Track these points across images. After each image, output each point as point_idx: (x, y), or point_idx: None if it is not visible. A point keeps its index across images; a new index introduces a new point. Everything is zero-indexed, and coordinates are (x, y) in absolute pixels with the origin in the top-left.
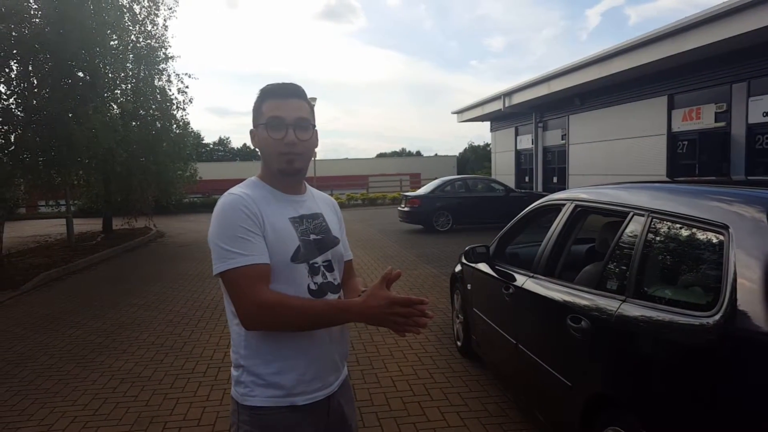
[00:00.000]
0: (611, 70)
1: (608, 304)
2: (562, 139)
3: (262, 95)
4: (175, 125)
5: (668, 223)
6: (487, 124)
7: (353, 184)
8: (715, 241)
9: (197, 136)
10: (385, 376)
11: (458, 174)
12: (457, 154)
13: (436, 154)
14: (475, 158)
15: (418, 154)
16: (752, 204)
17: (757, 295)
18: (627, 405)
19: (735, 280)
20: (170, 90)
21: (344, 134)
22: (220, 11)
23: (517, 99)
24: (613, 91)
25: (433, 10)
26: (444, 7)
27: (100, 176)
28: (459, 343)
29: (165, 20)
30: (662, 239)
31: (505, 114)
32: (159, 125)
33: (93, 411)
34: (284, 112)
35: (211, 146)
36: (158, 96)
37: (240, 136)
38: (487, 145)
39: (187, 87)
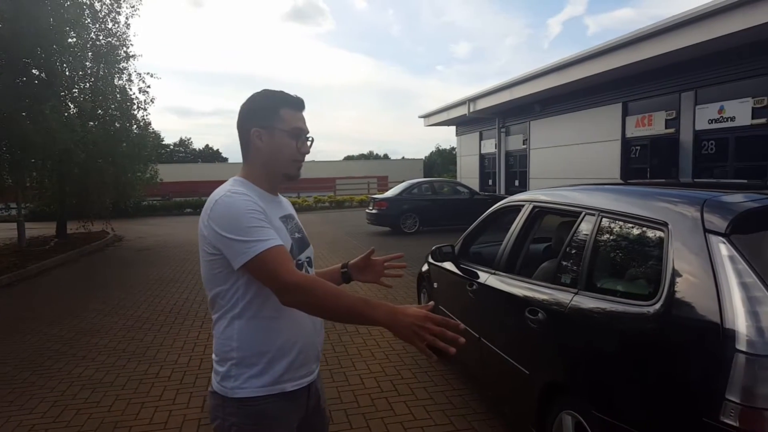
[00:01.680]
0: (569, 78)
1: (562, 297)
2: (524, 144)
3: (278, 101)
4: (135, 126)
5: (616, 221)
6: (453, 128)
7: (320, 187)
8: (656, 237)
9: (157, 137)
10: (353, 375)
11: (425, 177)
12: (424, 158)
13: (403, 157)
14: (442, 161)
15: (386, 157)
16: (689, 203)
17: (692, 285)
18: (579, 390)
19: (673, 271)
20: (131, 89)
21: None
22: (184, 10)
23: (482, 104)
24: (571, 99)
25: (400, 15)
26: (411, 12)
27: (55, 178)
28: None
29: (127, 18)
30: (610, 236)
31: (470, 119)
32: (118, 125)
33: (52, 419)
34: (303, 124)
35: (172, 147)
36: (118, 95)
37: (202, 136)
38: (453, 148)
39: (148, 87)
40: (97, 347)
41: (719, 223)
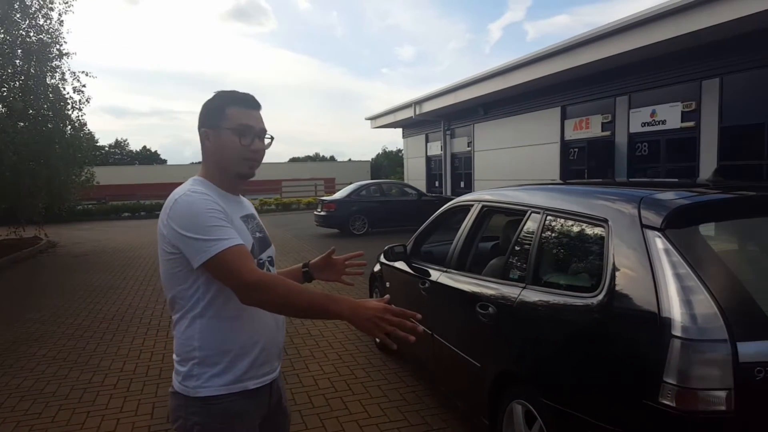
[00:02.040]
0: (511, 83)
1: (511, 291)
2: (468, 146)
3: (225, 100)
4: (69, 126)
5: (560, 219)
6: (400, 130)
7: (266, 189)
8: (597, 233)
9: (92, 138)
10: (306, 376)
11: (372, 179)
12: (371, 160)
13: (350, 159)
14: (389, 163)
15: (332, 159)
16: (626, 201)
17: (631, 277)
18: (529, 379)
19: (613, 265)
20: (64, 89)
21: None
22: (119, 7)
23: (427, 107)
24: (513, 102)
25: (344, 17)
26: (355, 15)
27: None
28: (378, 340)
29: (60, 14)
30: (555, 233)
31: (416, 121)
32: (51, 126)
33: None
34: (253, 121)
35: (107, 149)
36: (51, 95)
37: (139, 137)
38: (400, 150)
39: (84, 86)
40: (36, 357)
41: (655, 219)
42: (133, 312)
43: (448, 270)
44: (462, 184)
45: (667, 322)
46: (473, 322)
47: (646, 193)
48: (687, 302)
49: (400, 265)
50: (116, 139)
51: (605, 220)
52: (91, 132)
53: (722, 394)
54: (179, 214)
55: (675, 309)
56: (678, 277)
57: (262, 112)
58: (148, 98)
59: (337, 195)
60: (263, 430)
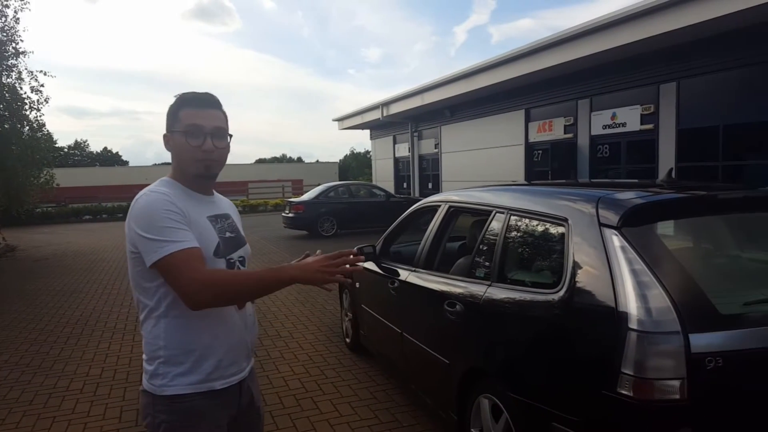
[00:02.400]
0: (476, 86)
1: (477, 289)
2: (436, 148)
3: (179, 103)
4: (27, 127)
5: (523, 218)
6: (368, 131)
7: (232, 191)
8: (558, 231)
9: (50, 139)
10: (276, 377)
11: (340, 180)
12: (339, 161)
13: (317, 161)
14: (357, 165)
15: (300, 160)
16: (586, 200)
17: (590, 274)
18: (495, 374)
19: (574, 262)
20: (21, 88)
21: None
22: (78, 5)
23: (394, 109)
24: (478, 105)
25: (310, 17)
26: (321, 15)
27: None
28: (348, 340)
29: (16, 12)
30: (518, 232)
31: (384, 123)
32: (8, 127)
33: None
34: (203, 120)
35: (66, 150)
36: (6, 95)
37: (99, 138)
38: (368, 152)
39: (42, 86)
40: None
41: (612, 217)
42: (98, 316)
43: (417, 269)
44: (430, 185)
45: (623, 316)
46: (441, 320)
47: (604, 193)
48: (642, 297)
49: (370, 265)
50: (76, 140)
51: (565, 219)
52: (49, 132)
53: (676, 383)
54: (137, 214)
55: (631, 303)
56: (634, 273)
57: (228, 112)
58: (109, 98)
59: (306, 196)
60: (234, 430)
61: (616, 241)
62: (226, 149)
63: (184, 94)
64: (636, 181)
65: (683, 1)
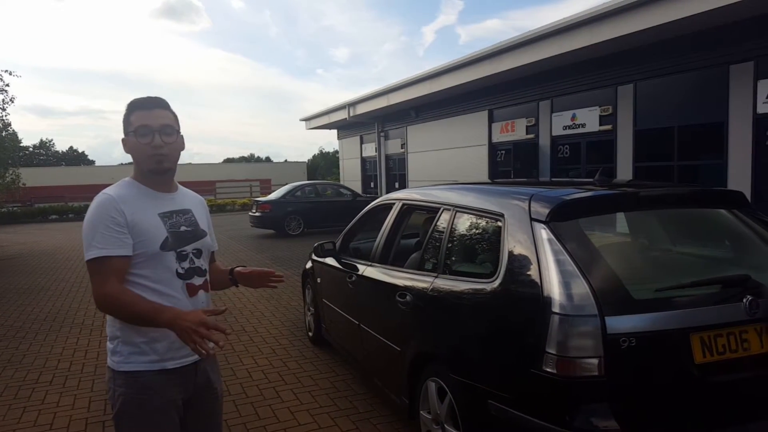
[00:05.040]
0: (441, 86)
1: (425, 280)
2: (402, 148)
3: (129, 108)
4: None
5: (466, 214)
6: (335, 131)
7: (199, 191)
8: (496, 226)
9: (15, 138)
10: (240, 369)
11: (308, 180)
12: (307, 161)
13: (286, 160)
14: (325, 164)
15: (268, 159)
16: (519, 197)
17: (522, 264)
18: (440, 358)
19: (508, 253)
20: None
21: (188, 138)
22: (45, 4)
23: (361, 109)
24: (443, 105)
25: (278, 17)
26: (289, 15)
27: None
28: (310, 334)
29: None
30: (462, 227)
31: (351, 123)
32: None
33: None
34: (151, 120)
35: (31, 150)
36: None
37: (65, 138)
38: (336, 151)
39: (7, 85)
40: None
41: (542, 212)
42: (66, 313)
43: (373, 264)
44: (397, 185)
45: (548, 301)
46: (393, 311)
47: (537, 190)
48: (565, 284)
49: (330, 261)
50: (41, 140)
51: (502, 215)
52: (14, 132)
53: (594, 361)
54: (87, 213)
55: (555, 290)
56: (558, 262)
57: (196, 112)
58: (75, 97)
59: (273, 196)
60: (191, 408)
61: (544, 234)
62: (176, 144)
63: (133, 99)
64: (573, 179)
65: (640, 4)
